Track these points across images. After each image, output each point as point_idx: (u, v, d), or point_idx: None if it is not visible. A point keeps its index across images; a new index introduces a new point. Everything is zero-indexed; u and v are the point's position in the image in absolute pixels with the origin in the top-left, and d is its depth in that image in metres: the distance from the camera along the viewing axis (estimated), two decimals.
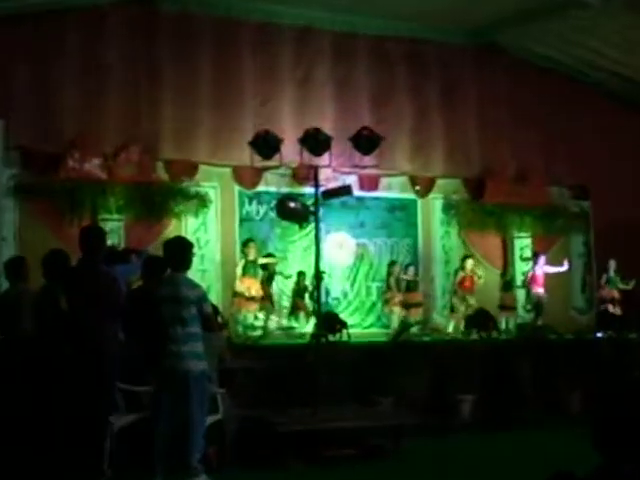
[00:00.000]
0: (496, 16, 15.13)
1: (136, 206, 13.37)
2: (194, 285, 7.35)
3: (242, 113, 14.46)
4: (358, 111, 14.99)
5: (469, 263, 15.35)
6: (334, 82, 15.27)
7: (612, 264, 15.99)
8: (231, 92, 14.50)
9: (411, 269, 15.27)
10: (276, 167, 11.68)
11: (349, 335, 12.57)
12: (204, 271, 13.93)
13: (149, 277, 8.12)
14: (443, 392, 11.73)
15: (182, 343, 7.05)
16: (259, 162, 11.35)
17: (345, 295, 15.57)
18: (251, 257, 13.91)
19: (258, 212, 15.04)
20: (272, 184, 14.42)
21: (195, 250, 7.93)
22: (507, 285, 15.73)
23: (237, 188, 14.79)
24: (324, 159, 11.03)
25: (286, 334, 13.68)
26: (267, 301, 14.04)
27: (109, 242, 9.68)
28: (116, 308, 7.33)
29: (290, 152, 11.35)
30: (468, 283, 15.22)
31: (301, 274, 14.38)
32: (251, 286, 13.80)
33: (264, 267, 14.12)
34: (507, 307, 15.48)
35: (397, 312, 14.88)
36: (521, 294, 15.94)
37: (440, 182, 16.06)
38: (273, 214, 13.50)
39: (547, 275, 15.64)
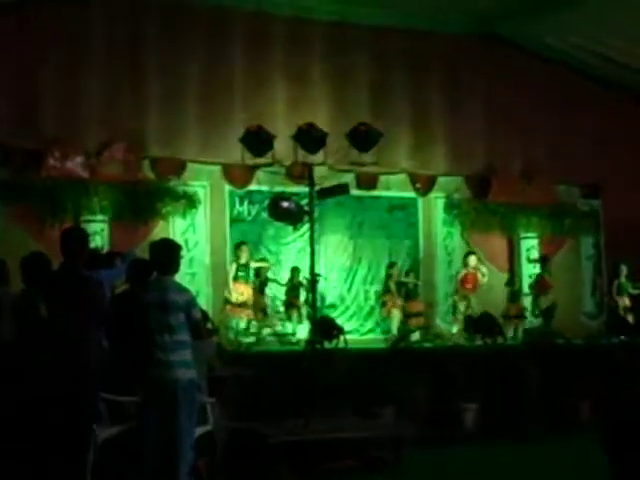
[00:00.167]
0: (502, 5, 15.14)
1: (121, 207, 13.38)
2: (182, 289, 7.34)
3: (232, 108, 14.49)
4: (355, 106, 15.02)
5: (472, 259, 15.34)
6: (330, 75, 15.31)
7: (623, 269, 15.97)
8: (221, 86, 14.53)
9: (411, 274, 15.29)
10: (268, 165, 11.66)
11: (346, 341, 12.57)
12: (193, 275, 13.97)
13: (135, 281, 8.11)
14: (445, 401, 11.75)
15: (170, 351, 7.03)
16: (250, 160, 11.35)
17: (342, 299, 15.59)
18: (243, 261, 13.91)
19: (250, 212, 15.08)
20: (264, 183, 14.38)
21: (183, 253, 7.95)
22: (515, 296, 15.70)
23: (227, 187, 14.82)
24: (319, 156, 11.04)
25: (279, 341, 13.69)
26: (260, 307, 14.04)
27: (92, 245, 9.69)
28: (100, 314, 7.32)
29: (283, 149, 11.35)
30: (470, 281, 15.19)
31: (295, 270, 14.42)
32: (243, 292, 13.80)
33: (257, 272, 14.13)
34: (514, 316, 15.44)
35: (396, 315, 14.88)
36: (528, 300, 15.90)
37: (442, 180, 16.10)
38: (265, 214, 13.46)
39: (555, 278, 15.57)
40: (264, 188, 14.45)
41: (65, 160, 13.08)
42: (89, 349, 7.16)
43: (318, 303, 12.43)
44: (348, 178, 13.99)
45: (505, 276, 16.09)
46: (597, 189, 16.96)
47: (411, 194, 16.04)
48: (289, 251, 15.13)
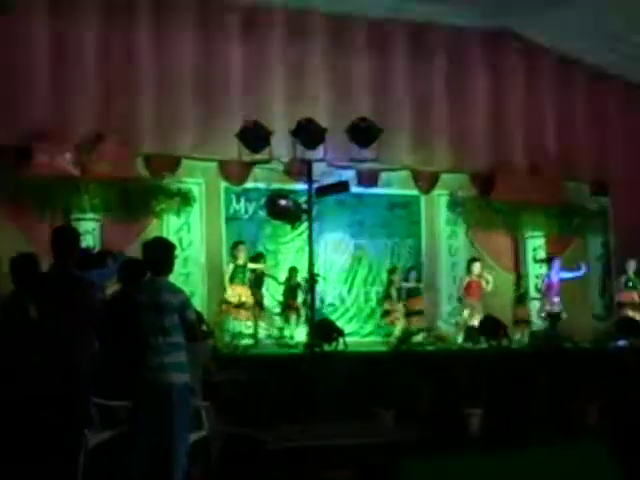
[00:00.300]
0: None
1: (113, 205, 13.39)
2: (176, 290, 7.35)
3: (229, 103, 14.50)
4: (355, 100, 15.05)
5: (476, 267, 15.34)
6: (329, 69, 15.32)
7: (632, 264, 15.97)
8: (217, 80, 14.55)
9: (413, 274, 15.31)
10: (266, 161, 11.70)
11: (346, 344, 12.60)
12: (187, 275, 13.98)
13: (127, 282, 8.13)
14: (449, 405, 11.75)
15: (164, 354, 7.04)
16: (247, 156, 11.39)
17: (342, 301, 15.61)
18: (240, 261, 13.92)
19: (246, 210, 15.09)
20: (261, 180, 14.38)
21: (177, 252, 7.95)
22: (521, 298, 15.72)
23: (223, 184, 14.84)
24: (318, 152, 11.09)
25: (277, 343, 13.71)
26: (257, 308, 14.05)
27: (83, 244, 9.71)
28: (91, 315, 7.34)
29: (281, 145, 11.41)
30: (475, 289, 15.20)
31: (293, 270, 14.42)
32: (241, 293, 13.80)
33: (253, 271, 14.14)
34: (521, 321, 15.44)
35: (399, 325, 14.87)
36: (535, 304, 15.88)
37: (445, 177, 16.10)
38: (263, 213, 13.55)
39: (563, 281, 15.60)
40: (261, 185, 14.45)
41: (55, 156, 13.07)
42: (80, 350, 7.17)
43: (317, 304, 12.45)
44: (348, 175, 14.00)
45: (510, 277, 16.09)
46: (606, 186, 16.93)
47: (413, 191, 16.05)
48: (287, 250, 15.14)
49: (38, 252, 8.18)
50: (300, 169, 11.87)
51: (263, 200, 13.04)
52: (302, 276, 13.90)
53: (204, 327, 10.21)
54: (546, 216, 16.37)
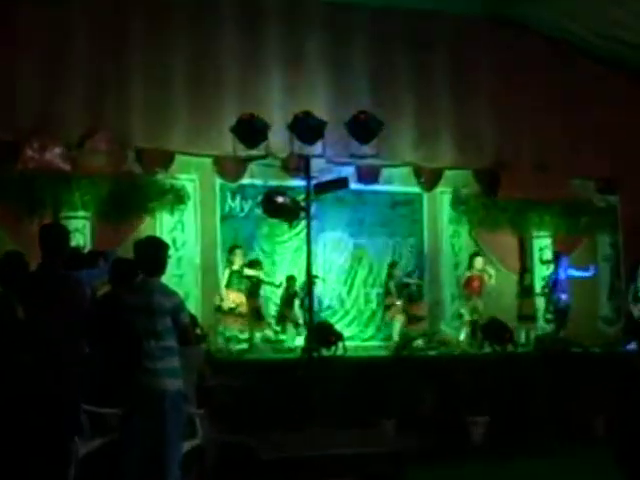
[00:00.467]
0: None
1: (104, 202, 13.35)
2: (170, 292, 7.34)
3: (224, 95, 14.46)
4: (355, 93, 15.01)
5: (478, 261, 15.35)
6: (328, 60, 15.29)
7: None
8: (211, 72, 14.51)
9: (413, 276, 15.29)
10: (262, 157, 11.71)
11: (345, 349, 12.61)
12: (181, 276, 13.97)
13: (118, 283, 8.12)
14: (451, 413, 11.77)
15: (157, 359, 7.02)
16: (243, 151, 11.39)
17: (341, 303, 15.59)
18: (236, 266, 13.87)
19: (242, 208, 15.08)
20: (258, 176, 14.41)
21: (171, 252, 7.94)
22: (526, 291, 15.71)
23: (218, 181, 14.82)
24: (317, 148, 11.08)
25: (274, 348, 13.70)
26: (254, 317, 13.97)
27: (73, 243, 9.69)
28: (81, 314, 7.33)
29: (278, 140, 11.40)
30: (476, 284, 15.20)
31: (291, 279, 14.37)
32: (236, 300, 13.74)
33: (249, 278, 14.06)
34: (526, 316, 15.43)
35: (399, 320, 14.87)
36: (541, 302, 15.82)
37: (448, 174, 16.09)
38: (259, 211, 13.51)
39: (571, 280, 15.58)
40: (257, 182, 14.47)
41: (44, 151, 13.05)
42: (69, 351, 7.15)
43: (315, 307, 12.43)
44: (348, 171, 13.98)
45: (516, 278, 16.06)
46: (615, 184, 16.91)
47: (415, 189, 16.04)
48: (284, 250, 15.12)
49: (26, 251, 8.17)
50: (298, 165, 11.87)
51: (259, 197, 13.03)
52: (300, 281, 13.87)
53: (198, 331, 10.19)
54: (553, 215, 16.33)
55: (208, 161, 14.56)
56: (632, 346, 14.30)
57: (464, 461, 10.66)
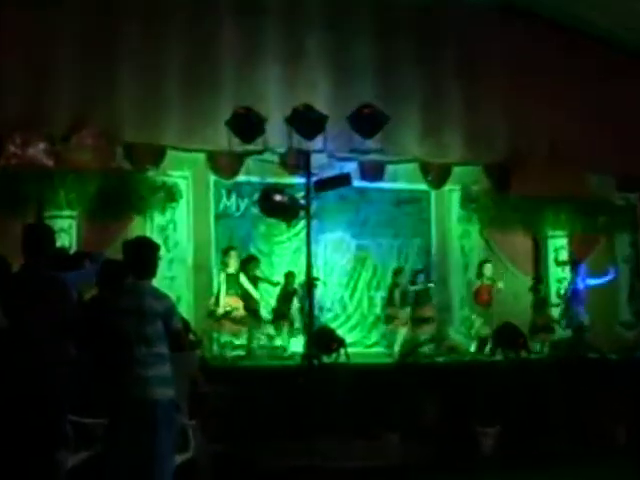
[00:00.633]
0: None
1: (91, 200, 13.36)
2: (161, 295, 7.33)
3: (219, 87, 14.49)
4: (358, 85, 15.01)
5: (488, 268, 15.34)
6: (329, 50, 15.29)
7: None
8: (206, 62, 14.52)
9: (421, 277, 15.22)
10: (259, 152, 11.71)
11: (347, 355, 12.61)
12: (173, 278, 13.99)
13: (106, 285, 8.13)
14: (461, 423, 11.75)
15: (147, 366, 7.00)
16: (239, 146, 11.39)
17: (343, 307, 15.61)
18: (232, 269, 13.85)
19: (238, 207, 15.11)
20: (254, 173, 14.43)
21: (162, 253, 7.95)
22: (540, 303, 15.66)
23: (213, 178, 14.86)
24: (317, 142, 11.07)
25: (271, 354, 13.70)
26: (252, 319, 13.96)
27: (58, 243, 9.70)
28: (67, 316, 7.33)
29: (276, 134, 11.39)
30: (485, 294, 15.18)
31: (290, 275, 14.38)
32: (232, 305, 13.71)
33: (246, 273, 14.01)
34: (541, 328, 15.37)
35: (402, 332, 14.84)
36: (556, 311, 15.76)
37: (457, 170, 16.11)
38: (256, 209, 13.52)
39: (590, 288, 15.49)
40: (254, 179, 14.49)
41: (27, 147, 13.06)
42: (54, 351, 7.15)
43: (316, 312, 12.43)
44: (350, 168, 13.97)
45: (529, 281, 16.04)
46: (635, 181, 16.89)
47: (422, 186, 16.07)
48: (282, 252, 15.15)
49: (8, 251, 8.16)
50: (297, 161, 11.87)
51: (256, 195, 13.00)
52: (299, 281, 13.88)
53: (191, 336, 10.18)
54: (568, 213, 16.31)
55: (202, 157, 14.60)
56: None
57: (473, 474, 10.63)
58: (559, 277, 16.09)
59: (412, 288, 15.06)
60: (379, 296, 15.68)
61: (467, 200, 16.12)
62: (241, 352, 13.53)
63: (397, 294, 15.01)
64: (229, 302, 13.72)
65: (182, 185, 14.41)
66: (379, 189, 15.78)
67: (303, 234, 12.02)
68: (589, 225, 16.46)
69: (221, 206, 15.02)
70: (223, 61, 14.68)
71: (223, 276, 13.86)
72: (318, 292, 13.60)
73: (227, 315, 13.57)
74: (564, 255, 16.28)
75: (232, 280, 13.82)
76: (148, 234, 12.76)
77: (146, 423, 6.91)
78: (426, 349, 14.25)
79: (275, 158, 13.56)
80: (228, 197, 15.06)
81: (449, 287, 16.17)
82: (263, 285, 14.44)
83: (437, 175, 15.93)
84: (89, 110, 13.63)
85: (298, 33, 15.20)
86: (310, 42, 15.24)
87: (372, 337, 15.61)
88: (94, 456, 7.50)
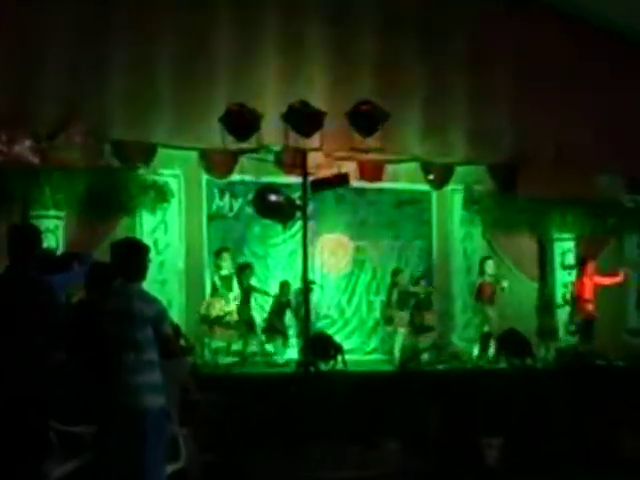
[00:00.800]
0: None
1: (78, 199, 13.36)
2: (150, 299, 7.34)
3: (212, 83, 14.48)
4: (357, 80, 15.01)
5: (489, 265, 15.31)
6: (328, 44, 15.29)
7: None
8: (198, 57, 14.51)
9: (422, 282, 15.24)
10: (254, 150, 11.74)
11: (345, 362, 12.63)
12: (163, 282, 13.98)
13: (94, 288, 8.15)
14: (463, 434, 11.77)
15: (136, 373, 7.00)
16: (233, 144, 11.41)
17: (341, 312, 15.62)
18: (225, 272, 13.86)
19: (231, 207, 15.11)
20: (249, 172, 14.41)
21: (152, 255, 7.97)
22: (546, 306, 15.67)
23: (205, 177, 14.85)
24: (314, 140, 11.09)
25: (266, 361, 13.70)
26: (245, 327, 13.95)
27: (44, 244, 9.71)
28: (53, 323, 7.35)
29: (272, 132, 11.41)
30: (487, 291, 15.16)
31: (285, 285, 14.35)
32: (225, 310, 13.73)
33: (240, 280, 14.01)
34: (547, 333, 15.39)
35: (401, 335, 14.83)
36: (563, 312, 15.80)
37: (460, 170, 16.11)
38: (250, 210, 13.56)
39: (597, 288, 15.51)
40: (248, 178, 14.46)
41: (12, 144, 13.06)
42: (39, 356, 7.16)
43: (311, 316, 12.46)
44: (348, 167, 13.97)
45: (534, 285, 16.05)
46: None
47: (423, 186, 16.06)
48: (278, 254, 15.15)
49: None
50: (293, 159, 11.90)
51: (251, 195, 13.05)
52: (295, 288, 13.86)
53: (182, 342, 10.21)
54: (576, 215, 16.32)
55: (194, 155, 14.58)
56: None
57: None
58: (565, 282, 16.08)
59: (412, 289, 15.03)
60: (378, 300, 15.66)
61: (470, 201, 16.10)
62: (235, 358, 13.52)
63: (395, 295, 14.94)
64: (222, 307, 13.73)
65: (173, 184, 14.39)
66: (378, 189, 15.78)
67: (299, 236, 12.00)
68: (597, 227, 16.45)
69: (214, 206, 15.02)
70: (217, 55, 14.66)
71: (216, 279, 13.87)
72: (315, 297, 13.63)
73: (220, 320, 13.57)
74: (571, 259, 16.28)
75: (224, 283, 13.84)
76: (137, 235, 12.80)
77: (136, 432, 6.91)
78: (426, 356, 14.25)
79: (270, 156, 13.54)
80: (221, 197, 15.06)
81: (451, 291, 16.14)
82: (258, 296, 14.46)
83: (439, 175, 15.89)
84: (76, 106, 13.62)
85: (295, 25, 15.18)
86: (308, 35, 15.23)
87: (371, 343, 15.60)
88: (83, 465, 7.51)
